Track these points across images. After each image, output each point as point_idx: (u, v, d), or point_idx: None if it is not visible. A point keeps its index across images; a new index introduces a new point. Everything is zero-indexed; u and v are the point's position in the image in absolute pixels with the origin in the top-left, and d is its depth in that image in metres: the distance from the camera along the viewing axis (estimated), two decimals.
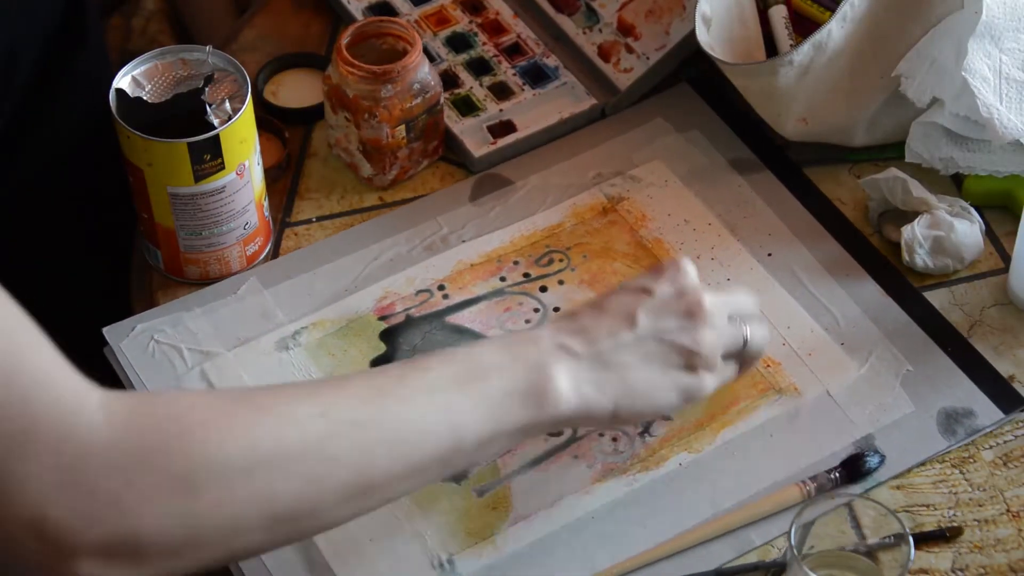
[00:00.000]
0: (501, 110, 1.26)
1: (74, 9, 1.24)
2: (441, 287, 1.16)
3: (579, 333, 0.95)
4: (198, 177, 1.10)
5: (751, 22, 1.24)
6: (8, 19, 1.19)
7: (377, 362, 1.12)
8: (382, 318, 1.14)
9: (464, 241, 1.19)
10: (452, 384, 0.90)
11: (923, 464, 1.06)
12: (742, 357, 1.01)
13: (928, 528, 1.03)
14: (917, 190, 1.17)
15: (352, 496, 0.86)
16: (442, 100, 1.20)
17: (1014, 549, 1.02)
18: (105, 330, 1.13)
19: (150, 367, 1.11)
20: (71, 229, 1.29)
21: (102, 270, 1.29)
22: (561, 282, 1.16)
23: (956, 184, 1.21)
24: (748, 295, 1.02)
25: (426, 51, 1.30)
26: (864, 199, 1.21)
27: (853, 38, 1.16)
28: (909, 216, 1.17)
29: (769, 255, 1.18)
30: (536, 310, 1.14)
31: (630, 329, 0.95)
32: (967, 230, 1.16)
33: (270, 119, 1.25)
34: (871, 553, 0.98)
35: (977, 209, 1.18)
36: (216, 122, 1.09)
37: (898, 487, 1.05)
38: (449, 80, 1.28)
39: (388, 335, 1.13)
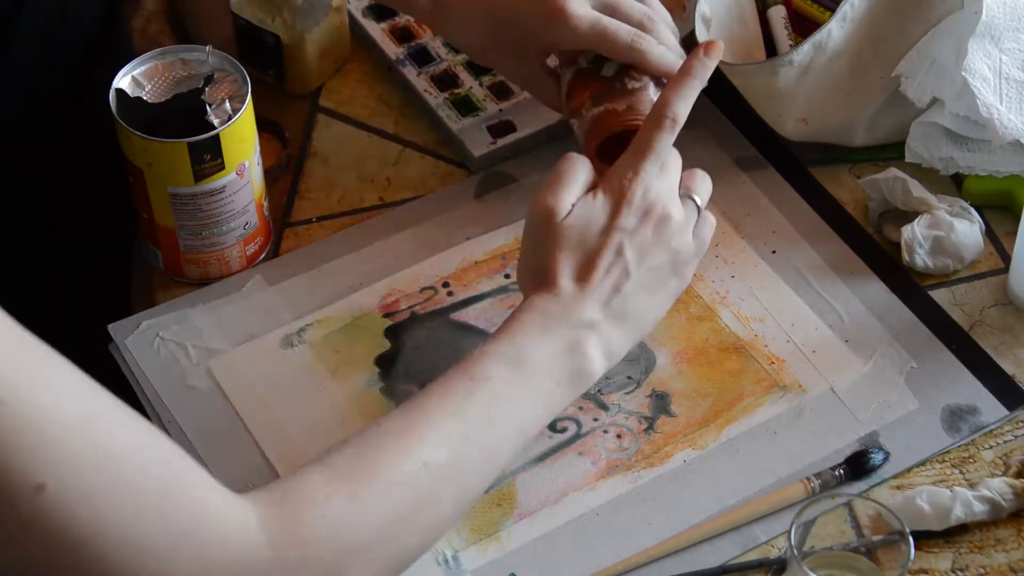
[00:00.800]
0: (501, 110, 1.26)
1: (110, 18, 1.24)
2: (446, 284, 1.16)
3: (589, 298, 0.99)
4: (198, 177, 1.10)
5: (751, 22, 1.24)
6: (50, 27, 1.19)
7: (381, 360, 1.12)
8: (387, 315, 1.14)
9: (469, 238, 1.19)
10: (512, 388, 0.96)
11: (924, 463, 1.06)
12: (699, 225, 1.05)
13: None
14: (917, 190, 1.17)
15: (457, 518, 0.95)
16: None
17: (1014, 549, 1.02)
18: (110, 327, 1.13)
19: (155, 364, 1.11)
20: (71, 229, 1.29)
21: (102, 270, 1.29)
22: None
23: (956, 184, 1.21)
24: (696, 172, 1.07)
25: (426, 51, 1.30)
26: (864, 199, 1.21)
27: (853, 38, 1.16)
28: (909, 216, 1.17)
29: (773, 252, 1.18)
30: None
31: (628, 278, 1.00)
32: (967, 230, 1.16)
33: (270, 119, 1.25)
34: (871, 553, 0.98)
35: (977, 209, 1.18)
36: (216, 122, 1.09)
37: (898, 487, 1.05)
38: (449, 80, 1.28)
39: (393, 332, 1.13)
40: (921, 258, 1.15)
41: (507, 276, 1.16)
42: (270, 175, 1.22)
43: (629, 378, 1.11)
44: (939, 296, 1.15)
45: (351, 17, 1.31)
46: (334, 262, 1.17)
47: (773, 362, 1.11)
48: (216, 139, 1.09)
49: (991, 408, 1.08)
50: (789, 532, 0.94)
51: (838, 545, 0.98)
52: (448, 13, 1.15)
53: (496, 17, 1.13)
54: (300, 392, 1.10)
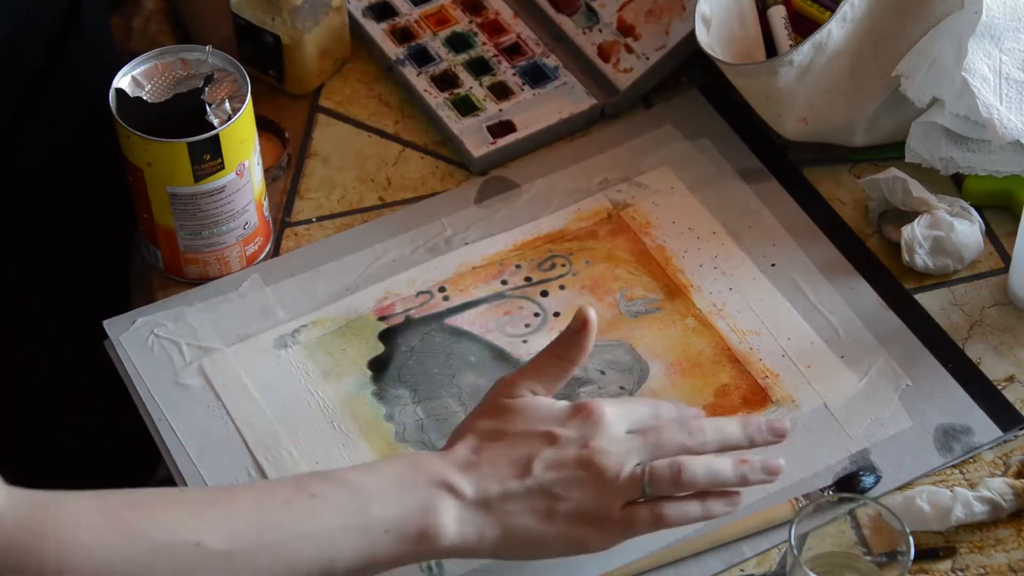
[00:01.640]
0: (501, 110, 1.26)
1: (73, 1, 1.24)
2: (442, 289, 1.16)
3: (471, 471, 0.94)
4: (198, 177, 1.10)
5: (751, 22, 1.24)
6: (9, 11, 1.19)
7: (375, 363, 1.12)
8: (382, 318, 1.14)
9: (467, 243, 1.19)
10: (334, 515, 0.90)
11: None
12: (650, 496, 0.96)
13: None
14: (917, 190, 1.17)
15: None
16: None
17: (1014, 549, 1.02)
18: (105, 323, 1.13)
19: (149, 361, 1.11)
20: (71, 228, 1.29)
21: (102, 270, 1.29)
22: (562, 287, 1.16)
23: (956, 184, 1.21)
24: (677, 426, 0.98)
25: (426, 51, 1.30)
26: (864, 199, 1.21)
27: (853, 38, 1.16)
28: (909, 216, 1.17)
29: (773, 265, 1.17)
30: (536, 314, 1.14)
31: (521, 480, 0.94)
32: (967, 230, 1.16)
33: (270, 119, 1.25)
34: (871, 552, 0.98)
35: (977, 209, 1.18)
36: (216, 122, 1.09)
37: (899, 488, 1.05)
38: (449, 80, 1.28)
39: (387, 336, 1.13)
40: (921, 258, 1.15)
41: (504, 283, 1.16)
42: (270, 175, 1.22)
43: (621, 388, 1.10)
44: (939, 296, 1.15)
45: (351, 17, 1.31)
46: (331, 263, 1.17)
47: (767, 376, 1.11)
48: (216, 139, 1.09)
49: (985, 428, 1.07)
50: (790, 534, 0.94)
51: (838, 547, 0.98)
52: None
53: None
54: (292, 393, 1.10)
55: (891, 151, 1.23)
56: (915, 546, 0.97)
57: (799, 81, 1.16)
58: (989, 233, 1.19)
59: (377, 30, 1.32)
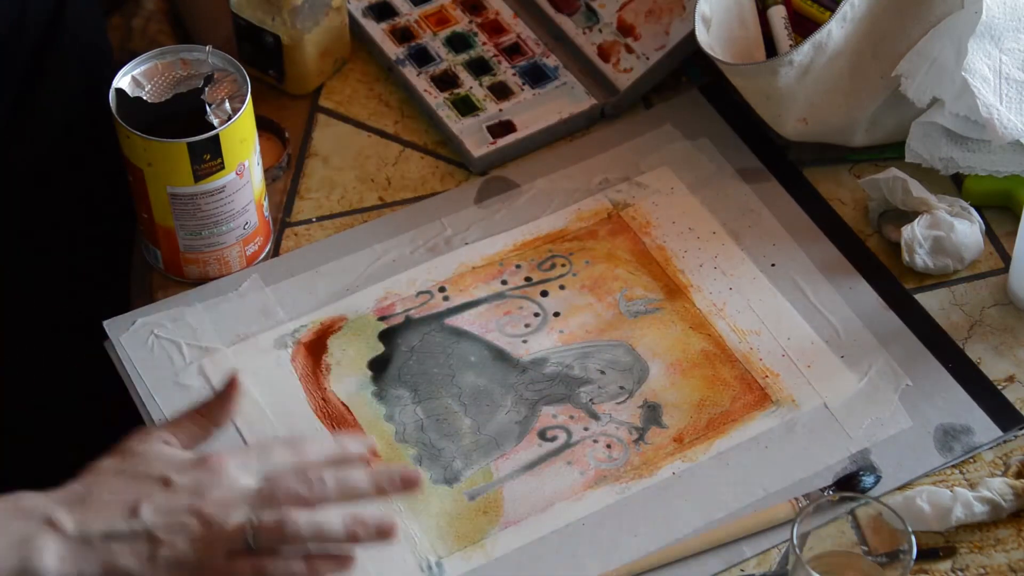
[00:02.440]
0: (501, 110, 1.26)
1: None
2: (442, 289, 1.16)
3: (77, 507, 0.93)
4: (198, 177, 1.10)
5: (751, 22, 1.24)
6: None
7: (375, 363, 1.12)
8: (382, 318, 1.14)
9: (467, 243, 1.19)
10: None
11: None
12: (258, 548, 0.95)
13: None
14: (917, 190, 1.17)
15: None
16: None
17: (1014, 549, 1.02)
18: (105, 323, 1.13)
19: (149, 361, 1.11)
20: (70, 228, 1.29)
21: (102, 270, 1.29)
22: (562, 287, 1.16)
23: (956, 184, 1.21)
24: (295, 477, 0.96)
25: (426, 51, 1.30)
26: (864, 199, 1.21)
27: (853, 38, 1.16)
28: (909, 216, 1.17)
29: (773, 265, 1.17)
30: (536, 314, 1.14)
31: (126, 520, 0.93)
32: (967, 230, 1.16)
33: (270, 119, 1.25)
34: (871, 552, 0.98)
35: (977, 209, 1.18)
36: (216, 122, 1.09)
37: (899, 487, 1.05)
38: (449, 80, 1.28)
39: (387, 336, 1.13)
40: (921, 258, 1.15)
41: (504, 283, 1.16)
42: (270, 175, 1.22)
43: (622, 388, 1.10)
44: (939, 296, 1.15)
45: (351, 17, 1.31)
46: (331, 263, 1.17)
47: (767, 376, 1.11)
48: (216, 139, 1.09)
49: (985, 428, 1.07)
50: (792, 534, 0.94)
51: (838, 547, 0.98)
52: None
53: None
54: (291, 393, 1.10)
55: (891, 151, 1.23)
56: (934, 536, 0.98)
57: (799, 81, 1.16)
58: (989, 233, 1.19)
59: (377, 30, 1.32)
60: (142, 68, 1.13)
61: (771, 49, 1.24)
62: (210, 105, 1.10)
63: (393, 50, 1.30)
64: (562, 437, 1.08)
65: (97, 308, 1.17)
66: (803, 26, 1.24)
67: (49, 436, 1.33)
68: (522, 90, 1.27)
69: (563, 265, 1.17)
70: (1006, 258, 1.17)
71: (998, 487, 1.03)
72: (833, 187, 1.22)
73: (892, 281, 1.16)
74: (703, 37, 1.18)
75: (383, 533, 0.95)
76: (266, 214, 1.18)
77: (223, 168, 1.11)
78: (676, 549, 1.02)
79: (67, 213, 1.28)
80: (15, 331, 1.28)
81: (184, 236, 1.14)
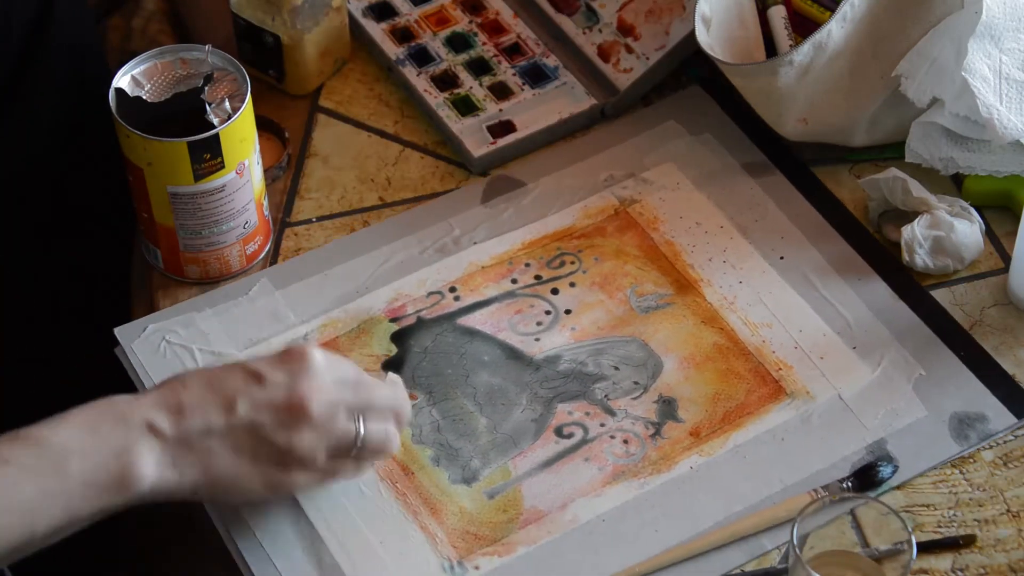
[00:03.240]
0: (501, 110, 1.26)
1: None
2: (452, 289, 1.16)
3: (174, 410, 0.92)
4: (198, 176, 1.10)
5: (751, 22, 1.24)
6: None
7: (388, 365, 1.11)
8: (393, 320, 1.14)
9: (476, 243, 1.19)
10: (30, 478, 0.88)
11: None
12: (359, 454, 0.97)
13: (927, 528, 1.03)
14: (917, 190, 1.17)
15: None
16: None
17: (1014, 549, 1.02)
18: (116, 330, 1.13)
19: (161, 368, 1.11)
20: (70, 228, 1.29)
21: (102, 270, 1.29)
22: (573, 284, 1.16)
23: (956, 184, 1.21)
24: (388, 389, 0.99)
25: (426, 51, 1.30)
26: (864, 199, 1.21)
27: (853, 38, 1.16)
28: (909, 216, 1.17)
29: (781, 258, 1.17)
30: (548, 312, 1.14)
31: (225, 416, 0.93)
32: (967, 230, 1.16)
33: (270, 119, 1.25)
34: (872, 552, 0.98)
35: (977, 209, 1.18)
36: (216, 121, 1.09)
37: (898, 487, 1.05)
38: (449, 80, 1.28)
39: (399, 337, 1.13)
40: (921, 258, 1.15)
41: (514, 281, 1.16)
42: (270, 175, 1.22)
43: (636, 383, 1.10)
44: (939, 296, 1.15)
45: (351, 17, 1.31)
46: (341, 266, 1.17)
47: (781, 368, 1.11)
48: (216, 138, 1.09)
49: (999, 416, 1.08)
50: (791, 534, 0.94)
51: (839, 546, 0.98)
52: None
53: None
54: None
55: (891, 151, 1.23)
56: (934, 535, 0.98)
57: (799, 81, 1.16)
58: (989, 233, 1.19)
59: (377, 30, 1.32)
60: (142, 68, 1.13)
61: (771, 49, 1.24)
62: (210, 104, 1.10)
63: (393, 50, 1.30)
64: (579, 434, 1.08)
65: (97, 308, 1.17)
66: (803, 26, 1.24)
67: None
68: (522, 90, 1.27)
69: (572, 262, 1.17)
70: (1006, 258, 1.18)
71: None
72: (833, 187, 1.22)
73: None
74: (703, 37, 1.18)
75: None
76: (266, 213, 1.18)
77: (223, 167, 1.11)
78: (697, 543, 1.02)
79: (65, 213, 1.28)
80: (15, 331, 1.28)
81: (184, 235, 1.14)
